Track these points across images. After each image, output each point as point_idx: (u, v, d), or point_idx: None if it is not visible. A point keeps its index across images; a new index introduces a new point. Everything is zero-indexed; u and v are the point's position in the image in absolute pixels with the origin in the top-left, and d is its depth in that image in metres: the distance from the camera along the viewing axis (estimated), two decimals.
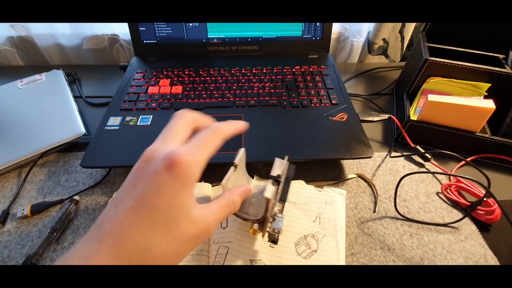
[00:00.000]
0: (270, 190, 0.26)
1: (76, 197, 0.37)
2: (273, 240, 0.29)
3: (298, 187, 0.37)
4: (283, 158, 0.32)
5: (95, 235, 0.18)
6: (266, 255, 0.30)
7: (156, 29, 0.52)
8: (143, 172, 0.19)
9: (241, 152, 0.28)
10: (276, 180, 0.29)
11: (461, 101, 0.38)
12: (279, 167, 0.30)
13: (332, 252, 0.31)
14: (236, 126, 0.24)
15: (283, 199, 0.31)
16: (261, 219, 0.28)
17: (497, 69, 0.39)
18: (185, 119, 0.23)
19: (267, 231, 0.28)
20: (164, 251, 0.18)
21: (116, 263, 0.17)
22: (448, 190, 0.37)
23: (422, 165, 0.41)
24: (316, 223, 0.33)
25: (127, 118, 0.42)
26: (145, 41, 0.53)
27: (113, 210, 0.19)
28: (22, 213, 0.35)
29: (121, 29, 0.61)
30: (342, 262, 0.30)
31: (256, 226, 0.28)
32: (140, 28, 0.52)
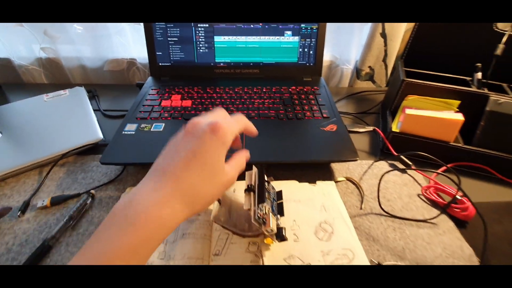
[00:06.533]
0: (246, 201, 0.31)
1: (92, 191, 0.41)
2: (282, 238, 0.31)
3: (296, 187, 0.41)
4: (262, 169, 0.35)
5: (158, 176, 0.25)
6: (294, 250, 0.33)
7: (171, 53, 0.60)
8: (193, 133, 0.26)
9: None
10: (248, 190, 0.32)
11: (435, 114, 0.44)
12: (249, 178, 0.34)
13: (345, 230, 0.36)
14: (251, 125, 0.32)
15: (276, 198, 0.35)
16: (256, 233, 0.32)
17: (465, 88, 0.46)
18: (224, 112, 0.30)
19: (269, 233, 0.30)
20: (207, 193, 0.26)
21: (175, 198, 0.24)
22: (428, 191, 0.41)
23: (405, 171, 0.46)
24: (323, 211, 0.38)
25: (142, 125, 0.47)
26: (160, 64, 0.61)
27: (170, 159, 0.26)
28: (43, 204, 0.39)
29: (139, 54, 0.69)
30: (355, 235, 0.35)
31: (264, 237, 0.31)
32: (157, 53, 0.60)
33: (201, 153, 0.25)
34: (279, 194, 0.36)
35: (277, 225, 0.31)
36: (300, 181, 0.43)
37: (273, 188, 0.36)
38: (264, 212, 0.30)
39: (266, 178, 0.35)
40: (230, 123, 0.27)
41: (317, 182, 0.42)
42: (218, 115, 0.29)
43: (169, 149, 0.27)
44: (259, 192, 0.31)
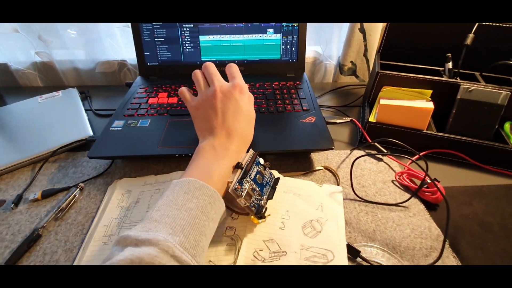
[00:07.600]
0: (232, 175, 0.33)
1: (81, 184, 0.43)
2: (260, 216, 0.33)
3: (302, 184, 0.42)
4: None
5: (222, 132, 0.36)
6: (276, 235, 0.35)
7: (159, 53, 0.62)
8: (227, 97, 0.37)
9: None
10: (237, 167, 0.34)
11: (407, 103, 0.45)
12: (242, 158, 0.36)
13: (334, 232, 0.35)
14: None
15: (271, 183, 0.37)
16: (242, 211, 0.34)
17: (436, 77, 0.47)
18: (214, 66, 0.41)
19: (251, 208, 0.32)
20: (250, 132, 0.39)
21: (239, 141, 0.36)
22: (401, 177, 0.43)
23: (381, 160, 0.48)
24: (319, 210, 0.38)
25: (129, 122, 0.50)
26: (148, 64, 0.63)
27: (220, 116, 0.36)
28: (34, 197, 0.41)
29: (129, 55, 0.71)
30: (343, 241, 0.34)
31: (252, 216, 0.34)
32: (145, 53, 0.62)
33: (240, 108, 0.37)
34: (276, 181, 0.38)
35: (260, 204, 0.34)
36: (279, 169, 0.44)
37: (270, 174, 0.38)
38: (244, 187, 0.32)
39: (262, 163, 0.37)
40: (242, 79, 0.39)
41: (324, 184, 0.42)
42: (234, 75, 0.40)
43: (212, 113, 0.36)
44: (246, 170, 0.34)
